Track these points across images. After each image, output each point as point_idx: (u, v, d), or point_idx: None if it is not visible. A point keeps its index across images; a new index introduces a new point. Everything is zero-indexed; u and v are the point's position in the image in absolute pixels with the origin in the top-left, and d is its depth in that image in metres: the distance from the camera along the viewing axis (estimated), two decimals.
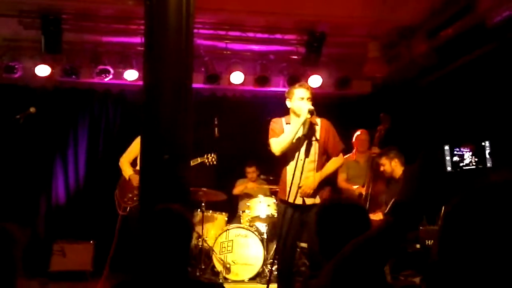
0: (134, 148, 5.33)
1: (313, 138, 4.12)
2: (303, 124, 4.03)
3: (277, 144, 4.12)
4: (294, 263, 5.04)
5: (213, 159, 5.63)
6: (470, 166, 1.37)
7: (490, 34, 4.94)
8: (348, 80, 7.05)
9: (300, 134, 4.07)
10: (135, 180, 5.17)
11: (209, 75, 6.78)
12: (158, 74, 3.65)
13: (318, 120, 4.22)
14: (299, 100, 4.11)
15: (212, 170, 5.81)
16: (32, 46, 6.34)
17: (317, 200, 4.09)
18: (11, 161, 6.60)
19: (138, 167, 5.23)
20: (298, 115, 4.09)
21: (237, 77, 6.85)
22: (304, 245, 5.00)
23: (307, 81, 6.86)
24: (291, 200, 4.05)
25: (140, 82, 6.28)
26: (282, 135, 4.12)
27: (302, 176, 4.00)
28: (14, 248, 1.67)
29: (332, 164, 4.23)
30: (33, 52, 6.41)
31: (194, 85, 3.90)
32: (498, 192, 1.07)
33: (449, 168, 1.40)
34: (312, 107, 4.05)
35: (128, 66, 6.63)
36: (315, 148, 4.12)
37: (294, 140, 4.09)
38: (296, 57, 6.79)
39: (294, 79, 6.77)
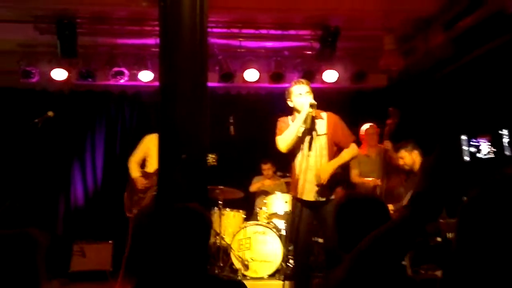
0: (141, 148, 5.38)
1: (315, 133, 4.10)
2: (305, 118, 4.02)
3: (282, 141, 4.14)
4: (311, 259, 5.05)
5: (213, 160, 5.37)
6: (488, 155, 1.35)
7: (510, 22, 4.84)
8: (363, 74, 6.99)
9: (303, 129, 4.06)
10: (140, 183, 5.24)
11: (223, 73, 6.78)
12: (173, 74, 3.68)
13: (324, 114, 4.20)
14: (298, 96, 4.12)
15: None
16: (48, 51, 6.42)
17: (331, 196, 4.07)
18: (31, 165, 6.69)
19: (146, 169, 5.25)
20: (300, 112, 4.09)
21: (251, 75, 6.85)
22: (322, 240, 4.99)
23: (322, 76, 6.88)
24: (301, 196, 4.04)
25: (155, 83, 6.37)
26: (285, 132, 4.12)
27: (308, 171, 3.98)
28: (38, 253, 1.69)
29: (347, 153, 4.21)
30: (50, 56, 6.49)
31: (209, 84, 3.92)
32: None
33: (467, 158, 1.38)
34: (313, 101, 4.03)
35: (143, 67, 6.68)
36: (324, 141, 4.11)
37: (299, 135, 4.08)
38: (310, 52, 6.76)
39: (309, 75, 6.76)
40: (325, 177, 4.03)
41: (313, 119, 4.09)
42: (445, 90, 6.10)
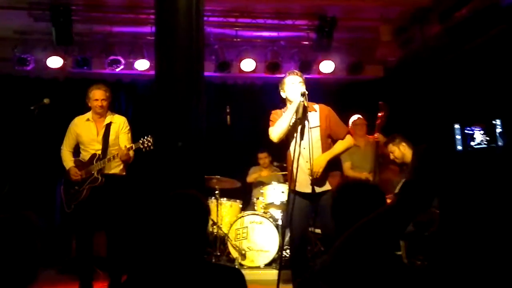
0: (70, 134, 4.86)
1: (308, 124, 4.06)
2: (297, 108, 4.02)
3: (273, 131, 4.12)
4: (308, 249, 5.07)
5: (149, 144, 4.63)
6: (481, 145, 1.36)
7: (504, 14, 4.85)
8: (360, 64, 6.99)
9: (294, 118, 4.04)
10: (74, 174, 4.71)
11: (219, 63, 6.77)
12: (169, 62, 3.67)
13: (316, 107, 4.20)
14: (291, 86, 4.13)
15: None
16: (44, 38, 6.38)
17: (327, 187, 4.08)
18: (27, 152, 6.66)
19: (81, 157, 4.82)
20: (292, 102, 4.09)
21: (248, 65, 6.83)
22: (319, 231, 5.01)
23: (318, 67, 6.87)
24: (296, 188, 4.05)
25: (151, 72, 6.32)
26: (277, 122, 4.11)
27: (302, 162, 3.98)
28: (36, 237, 1.69)
29: (340, 144, 4.18)
30: (45, 44, 6.46)
31: (205, 74, 3.91)
32: None
33: (459, 147, 1.39)
34: (304, 90, 4.03)
35: (138, 56, 6.65)
36: (317, 134, 4.08)
37: (291, 126, 4.06)
38: (307, 42, 6.76)
39: (306, 65, 6.75)
40: (317, 170, 4.00)
41: (305, 110, 4.08)
42: (440, 80, 6.11)
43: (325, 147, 4.12)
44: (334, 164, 4.18)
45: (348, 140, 4.21)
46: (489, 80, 5.12)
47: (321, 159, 4.04)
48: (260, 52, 6.98)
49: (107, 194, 4.63)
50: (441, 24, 5.68)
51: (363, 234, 1.43)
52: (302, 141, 3.99)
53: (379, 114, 5.25)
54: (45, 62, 6.55)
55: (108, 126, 4.77)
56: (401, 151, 4.89)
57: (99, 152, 4.71)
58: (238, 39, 6.76)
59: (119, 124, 4.83)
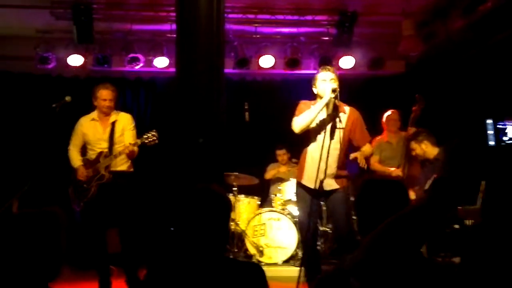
0: (77, 134, 4.86)
1: (339, 124, 4.02)
2: (327, 104, 3.98)
3: (297, 122, 4.07)
4: (324, 246, 5.01)
5: (154, 138, 4.61)
6: None
7: None
8: (381, 60, 6.90)
9: (324, 115, 4.02)
10: (81, 173, 4.70)
11: (239, 59, 6.76)
12: (190, 60, 3.69)
13: (346, 108, 4.15)
14: (322, 82, 4.09)
15: None
16: (65, 37, 6.45)
17: (335, 186, 4.06)
18: (49, 149, 6.74)
19: (88, 155, 4.82)
20: (322, 98, 4.06)
21: (267, 61, 6.81)
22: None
23: (338, 63, 6.81)
24: (308, 184, 4.03)
25: (171, 69, 6.36)
26: (304, 113, 4.07)
27: (328, 160, 3.94)
28: (61, 233, 1.69)
29: (367, 149, 4.20)
30: (66, 42, 6.53)
31: (224, 70, 3.91)
32: None
33: (491, 143, 1.34)
34: (335, 86, 3.99)
35: (158, 53, 6.69)
36: (339, 134, 4.05)
37: (317, 122, 4.03)
38: (327, 38, 6.70)
39: (326, 61, 6.68)
40: (368, 152, 4.15)
41: (336, 108, 4.04)
42: (466, 75, 5.99)
43: (343, 150, 4.10)
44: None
45: (369, 149, 4.27)
46: None
47: (369, 148, 4.19)
48: (280, 48, 6.94)
49: (115, 191, 4.64)
50: (465, 18, 5.56)
51: (396, 231, 1.41)
52: (325, 137, 3.96)
53: (414, 107, 5.17)
54: (66, 60, 6.62)
55: (113, 124, 4.80)
56: (422, 149, 4.81)
57: (106, 150, 4.73)
58: (258, 36, 6.74)
59: (124, 121, 4.84)
